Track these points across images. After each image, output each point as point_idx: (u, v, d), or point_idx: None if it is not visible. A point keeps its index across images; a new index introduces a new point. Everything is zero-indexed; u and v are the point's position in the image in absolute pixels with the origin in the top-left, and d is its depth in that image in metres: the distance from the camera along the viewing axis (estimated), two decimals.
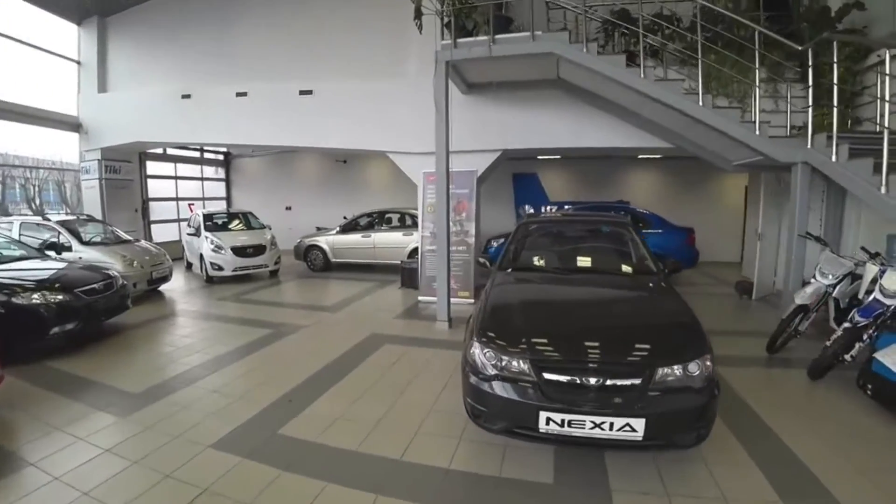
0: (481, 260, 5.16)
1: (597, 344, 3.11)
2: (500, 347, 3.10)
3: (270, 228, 10.86)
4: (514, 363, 3.01)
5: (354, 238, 10.89)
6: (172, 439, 3.48)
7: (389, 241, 10.63)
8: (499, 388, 2.97)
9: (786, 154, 5.69)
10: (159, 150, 13.41)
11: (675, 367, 2.89)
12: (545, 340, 3.15)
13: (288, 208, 15.32)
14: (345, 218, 11.53)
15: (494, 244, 10.35)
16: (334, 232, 11.10)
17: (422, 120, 7.76)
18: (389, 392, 4.35)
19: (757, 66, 5.70)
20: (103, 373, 4.79)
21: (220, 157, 15.91)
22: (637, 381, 2.85)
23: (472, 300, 8.06)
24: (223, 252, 9.47)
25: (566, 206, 11.39)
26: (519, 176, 13.03)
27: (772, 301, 8.16)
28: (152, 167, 13.38)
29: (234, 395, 4.24)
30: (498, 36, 5.89)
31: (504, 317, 3.51)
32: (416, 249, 10.03)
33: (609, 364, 2.95)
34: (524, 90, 7.64)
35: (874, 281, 4.53)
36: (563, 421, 2.81)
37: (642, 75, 5.67)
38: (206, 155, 15.39)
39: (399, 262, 9.93)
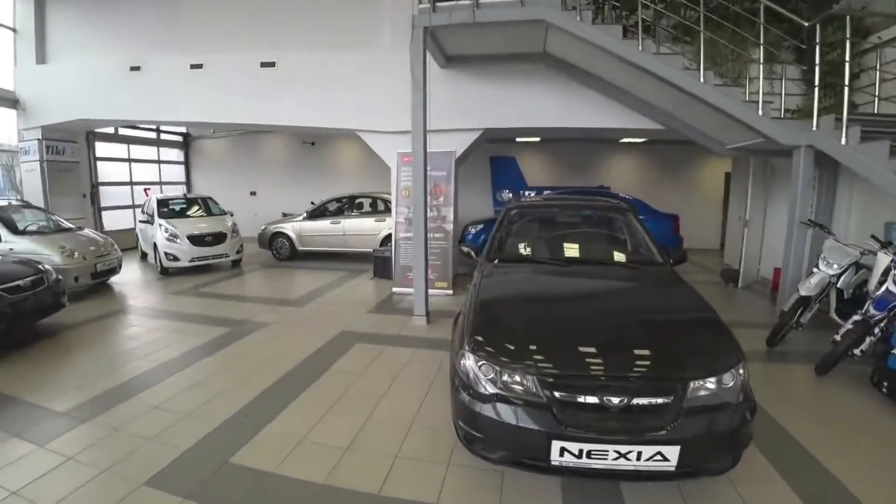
0: (465, 249, 4.63)
1: (616, 353, 2.63)
2: (499, 359, 2.59)
3: (232, 215, 10.05)
4: (518, 378, 2.50)
5: (323, 225, 10.20)
6: (98, 475, 2.85)
7: (360, 228, 9.99)
8: (499, 411, 2.46)
9: (789, 136, 5.33)
10: (110, 130, 12.33)
11: (710, 379, 2.45)
12: (554, 350, 2.65)
13: (252, 193, 14.43)
14: (312, 203, 10.79)
15: (472, 230, 9.84)
16: (301, 218, 10.38)
17: (396, 96, 7.15)
18: (363, 404, 3.80)
19: (761, 40, 5.28)
20: (23, 386, 4.08)
21: (179, 137, 14.84)
22: (668, 399, 2.38)
23: (451, 291, 7.58)
24: (179, 241, 8.66)
25: (545, 192, 10.96)
26: (496, 159, 12.50)
27: (757, 289, 7.99)
28: (102, 149, 12.27)
29: (181, 412, 3.62)
30: (483, 0, 5.29)
31: (500, 320, 2.99)
32: (389, 237, 9.46)
33: (634, 379, 2.47)
34: (507, 64, 7.06)
35: (887, 272, 4.27)
36: (580, 452, 2.33)
37: (640, 48, 5.18)
38: (164, 136, 14.29)
39: (371, 250, 9.32)
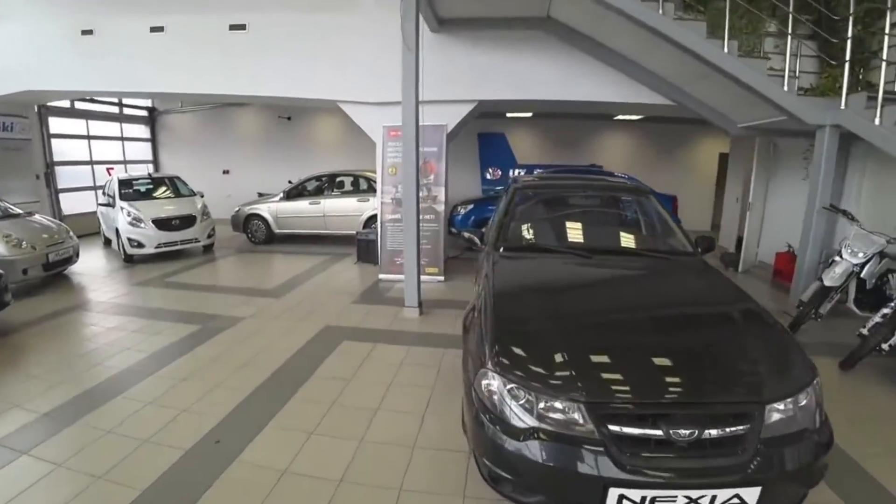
0: (466, 235, 4.08)
1: (679, 371, 2.16)
2: (535, 381, 2.09)
3: (203, 196, 9.27)
4: (561, 407, 2.01)
5: (301, 205, 9.51)
6: None
7: (342, 209, 9.35)
8: (537, 450, 1.96)
9: (814, 115, 4.92)
10: (65, 104, 11.27)
11: (787, 400, 2.02)
12: (603, 369, 2.18)
13: (225, 172, 13.53)
14: (290, 182, 10.07)
15: (462, 211, 9.30)
16: (278, 199, 9.66)
17: (382, 64, 6.48)
18: (355, 420, 3.28)
19: (790, 7, 4.78)
20: None
21: (144, 112, 13.78)
22: (744, 428, 1.94)
23: (442, 278, 7.07)
24: (143, 225, 7.89)
25: (536, 170, 10.47)
26: (484, 136, 11.88)
27: (757, 274, 7.73)
28: (57, 125, 11.20)
29: (136, 439, 3.04)
30: None
31: (528, 329, 2.45)
32: (373, 218, 8.86)
33: (705, 404, 2.01)
34: (504, 30, 6.41)
35: None
36: (643, 500, 1.87)
37: (660, 10, 4.63)
38: (127, 110, 13.23)
39: (354, 232, 8.73)
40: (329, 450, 2.94)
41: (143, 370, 4.01)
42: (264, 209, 9.68)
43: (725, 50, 4.77)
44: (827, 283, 4.60)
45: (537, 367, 2.16)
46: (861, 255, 4.50)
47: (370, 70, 6.80)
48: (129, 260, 8.07)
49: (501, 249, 3.54)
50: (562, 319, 2.54)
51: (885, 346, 3.81)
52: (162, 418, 3.27)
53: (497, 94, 6.67)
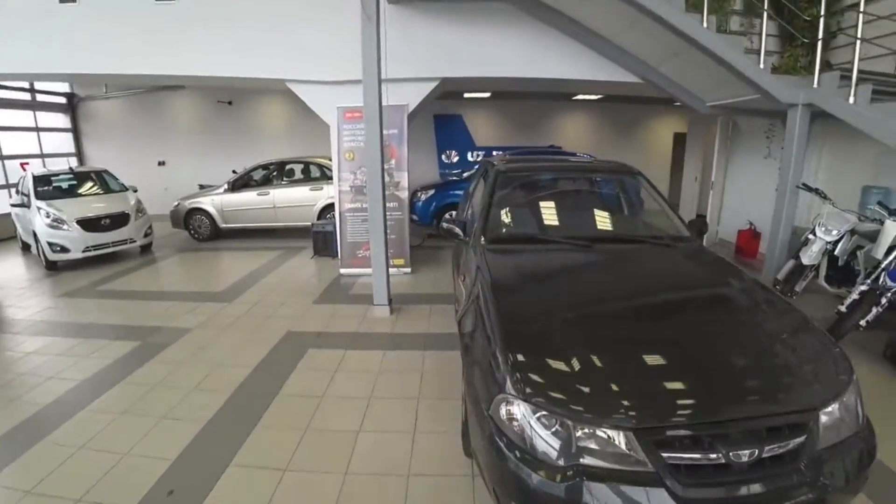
0: (445, 225, 3.68)
1: (726, 381, 1.87)
2: (569, 406, 1.74)
3: (136, 191, 8.34)
4: (604, 435, 1.68)
5: (249, 197, 8.77)
6: None
7: (294, 199, 8.69)
8: (580, 490, 1.62)
9: (788, 94, 4.88)
10: None
11: (835, 403, 1.81)
12: (643, 384, 1.86)
13: (161, 163, 12.36)
14: (235, 172, 9.26)
15: (423, 197, 8.84)
16: (222, 190, 8.86)
17: (335, 38, 5.86)
18: (334, 447, 2.85)
19: None
20: None
21: (62, 99, 12.34)
22: (802, 440, 1.71)
23: (409, 269, 6.64)
24: (66, 227, 6.95)
25: (495, 152, 10.16)
26: (441, 118, 11.41)
27: (718, 251, 7.77)
28: None
29: (67, 498, 2.47)
30: None
31: (548, 340, 2.08)
32: (328, 207, 8.31)
33: (762, 417, 1.74)
34: (470, 3, 5.94)
35: None
36: None
37: None
38: (41, 97, 11.73)
39: (309, 224, 8.13)
40: (308, 490, 2.50)
41: (72, 404, 3.38)
42: (207, 203, 8.86)
43: (704, 24, 4.56)
44: (805, 261, 4.67)
45: (570, 386, 1.81)
46: (835, 232, 4.55)
47: (322, 45, 6.13)
48: (52, 267, 7.13)
49: (489, 242, 3.17)
50: (583, 324, 2.22)
51: (862, 323, 3.81)
52: (98, 467, 2.70)
53: (461, 72, 6.20)
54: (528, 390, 1.78)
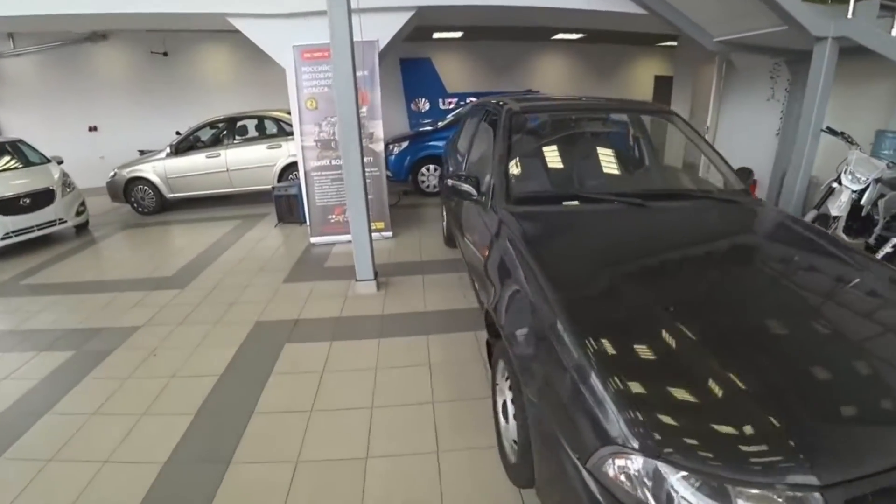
0: (451, 183, 2.91)
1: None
2: (723, 459, 1.17)
3: (62, 162, 7.10)
4: (778, 498, 1.12)
5: (196, 160, 7.64)
6: None
7: (249, 160, 7.63)
8: None
9: (819, 25, 4.26)
10: None
11: None
12: (821, 410, 1.29)
13: (92, 129, 10.84)
14: (178, 134, 8.04)
15: (395, 150, 7.92)
16: (164, 155, 7.68)
17: None
18: (335, 490, 2.17)
19: None
20: None
21: None
22: None
23: (390, 233, 5.87)
24: None
25: (469, 98, 9.26)
26: (408, 62, 10.29)
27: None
28: None
29: None
30: None
31: (660, 350, 1.51)
32: (291, 167, 7.36)
33: None
34: None
35: None
36: None
37: None
38: None
39: (270, 187, 7.18)
40: None
41: None
42: (149, 170, 7.69)
43: None
44: (835, 212, 4.35)
45: (714, 426, 1.23)
46: (863, 179, 4.24)
47: None
48: None
49: (515, 203, 2.49)
50: (694, 321, 1.58)
51: None
52: None
53: None
54: (656, 438, 1.20)
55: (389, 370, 3.14)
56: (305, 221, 6.20)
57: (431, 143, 7.70)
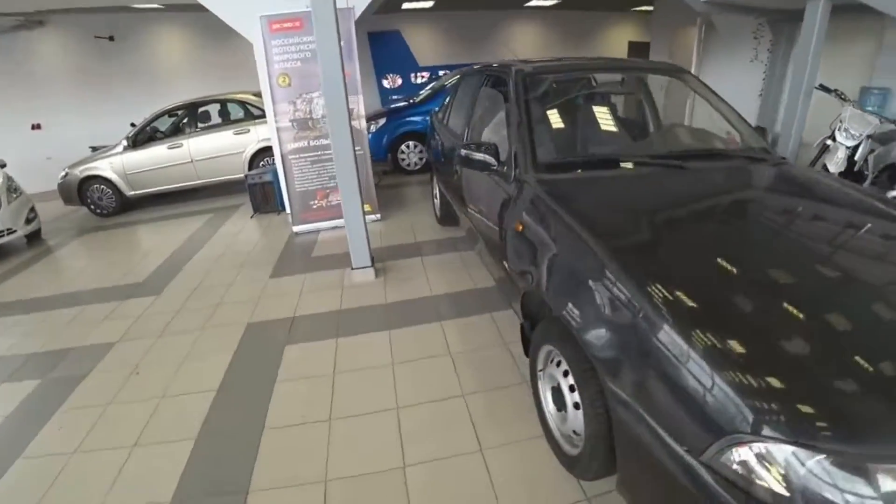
0: (464, 153, 2.58)
1: None
2: (864, 436, 1.08)
3: (4, 166, 6.39)
4: None
5: (157, 153, 7.00)
6: None
7: (216, 148, 7.04)
8: None
9: None
10: None
11: None
12: None
13: (35, 127, 9.93)
14: (133, 126, 7.37)
15: (372, 128, 7.45)
16: (121, 149, 7.03)
17: None
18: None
19: None
20: None
21: None
22: None
23: (378, 215, 5.50)
24: None
25: (441, 71, 8.86)
26: (377, 35, 9.73)
27: None
28: None
29: None
30: None
31: (768, 325, 1.36)
32: (263, 152, 6.87)
33: None
34: None
35: None
36: None
37: None
38: None
39: (242, 176, 6.66)
40: None
41: None
42: (105, 167, 7.02)
43: None
44: (832, 169, 4.40)
45: (848, 405, 1.13)
46: (857, 135, 4.30)
47: None
48: None
49: (546, 171, 2.25)
50: (781, 291, 1.51)
51: None
52: None
53: None
54: (787, 423, 1.09)
55: (407, 364, 2.82)
56: (284, 209, 5.77)
57: (411, 119, 7.28)
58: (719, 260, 1.64)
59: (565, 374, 1.93)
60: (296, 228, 5.36)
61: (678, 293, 1.45)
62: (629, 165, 2.37)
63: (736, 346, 1.26)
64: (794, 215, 2.05)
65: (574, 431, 1.89)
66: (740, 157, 2.54)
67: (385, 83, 10.03)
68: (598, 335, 1.58)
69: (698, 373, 1.22)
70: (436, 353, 2.92)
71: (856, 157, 4.34)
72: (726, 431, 1.13)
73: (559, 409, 2.02)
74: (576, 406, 1.86)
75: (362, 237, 3.91)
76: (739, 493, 1.11)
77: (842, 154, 4.36)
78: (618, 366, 1.50)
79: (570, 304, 1.75)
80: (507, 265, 2.40)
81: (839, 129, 4.42)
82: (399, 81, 10.03)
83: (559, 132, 2.64)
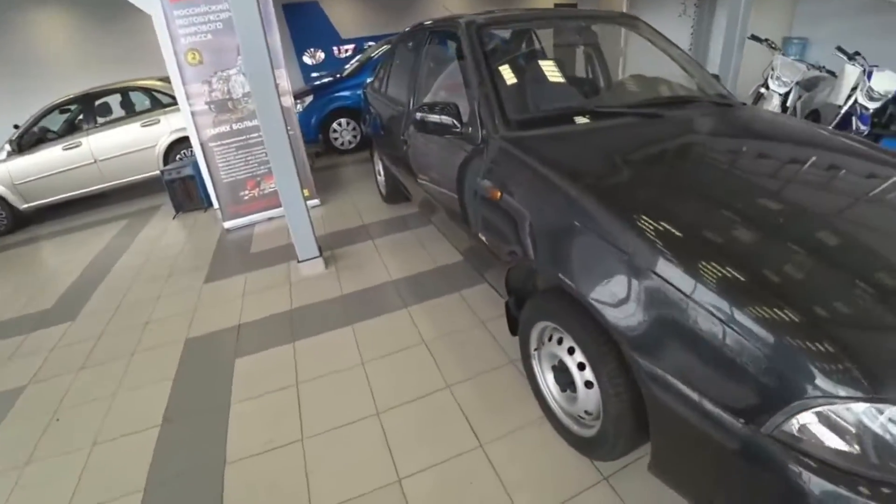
0: (419, 115, 2.26)
1: None
2: None
3: None
4: None
5: (51, 156, 6.04)
6: None
7: (121, 144, 6.19)
8: None
9: None
10: None
11: None
12: None
13: None
14: (17, 127, 6.35)
15: (299, 107, 6.88)
16: (4, 156, 6.05)
17: None
18: None
19: None
20: None
21: None
22: None
23: (318, 200, 5.09)
24: None
25: (367, 43, 8.35)
26: (292, 8, 8.96)
27: None
28: None
29: None
30: None
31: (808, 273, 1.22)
32: (179, 143, 6.20)
33: None
34: None
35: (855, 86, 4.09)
36: None
37: None
38: None
39: (157, 172, 5.96)
40: None
41: None
42: None
43: None
44: None
45: None
46: (788, 82, 4.48)
47: None
48: None
49: (518, 128, 2.03)
50: (821, 237, 1.36)
51: None
52: None
53: None
54: (859, 378, 0.97)
55: (379, 361, 2.53)
56: (211, 205, 5.21)
57: (340, 95, 6.76)
58: (741, 206, 1.46)
59: (570, 351, 1.73)
60: (227, 224, 4.83)
61: (716, 249, 1.27)
62: (608, 116, 2.15)
63: (794, 305, 1.10)
64: (787, 154, 1.91)
65: (586, 412, 1.73)
66: (709, 103, 2.41)
67: (307, 59, 9.31)
68: (619, 305, 1.36)
69: (753, 337, 1.07)
70: (408, 343, 2.64)
71: (787, 104, 4.53)
72: (793, 397, 1.01)
73: (564, 390, 1.84)
74: (587, 385, 1.67)
75: (306, 225, 3.51)
76: (806, 459, 1.00)
77: (776, 101, 4.52)
78: (648, 337, 1.29)
79: (577, 273, 1.51)
80: (483, 238, 2.14)
81: (772, 78, 4.56)
82: (322, 56, 9.36)
83: (526, 86, 2.37)
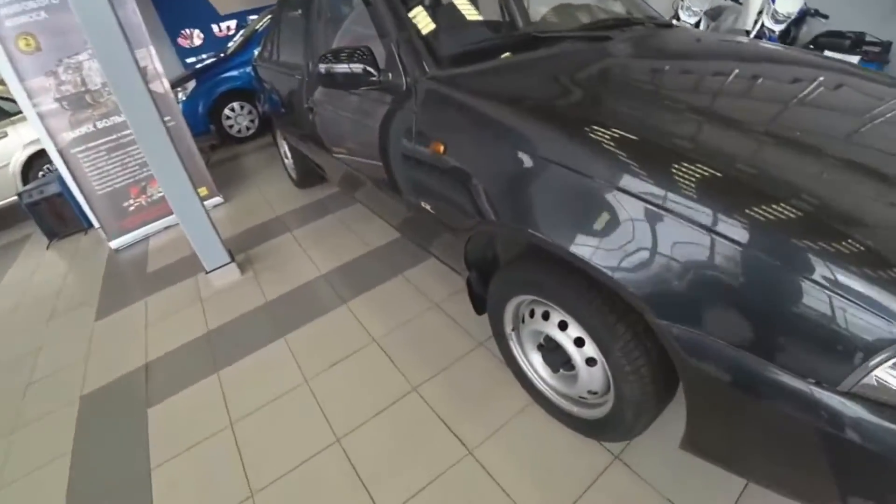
0: (324, 67, 1.81)
1: None
2: None
3: None
4: None
5: None
6: None
7: None
8: None
9: None
10: None
11: None
12: None
13: None
14: None
15: (182, 96, 5.99)
16: None
17: None
18: None
19: None
20: None
21: None
22: None
23: (220, 197, 4.48)
24: None
25: (251, 17, 7.51)
26: None
27: None
28: None
29: None
30: None
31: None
32: (36, 157, 5.24)
33: None
34: None
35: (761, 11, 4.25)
36: None
37: None
38: None
39: (14, 197, 4.99)
40: None
41: None
42: None
43: None
44: None
45: None
46: (697, 11, 4.59)
47: None
48: None
49: (450, 65, 1.68)
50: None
51: None
52: None
53: None
54: None
55: (327, 374, 2.12)
56: (91, 224, 4.40)
57: (228, 75, 5.95)
58: (760, 133, 1.20)
59: (562, 326, 1.43)
60: (114, 244, 4.08)
61: (724, 188, 1.01)
62: (552, 42, 1.82)
63: (860, 238, 0.88)
64: (745, 65, 1.71)
65: (590, 392, 1.48)
66: (652, 25, 2.18)
67: (182, 42, 8.20)
68: (641, 267, 1.05)
69: (821, 280, 0.86)
70: (356, 345, 2.25)
71: None
72: (877, 347, 0.82)
73: (556, 370, 1.55)
74: (589, 362, 1.41)
75: (207, 229, 2.95)
76: (889, 411, 0.84)
77: None
78: (682, 300, 1.01)
79: (568, 230, 1.18)
80: (427, 206, 1.76)
81: (682, 8, 4.66)
82: (201, 37, 8.29)
83: (452, 18, 1.98)
